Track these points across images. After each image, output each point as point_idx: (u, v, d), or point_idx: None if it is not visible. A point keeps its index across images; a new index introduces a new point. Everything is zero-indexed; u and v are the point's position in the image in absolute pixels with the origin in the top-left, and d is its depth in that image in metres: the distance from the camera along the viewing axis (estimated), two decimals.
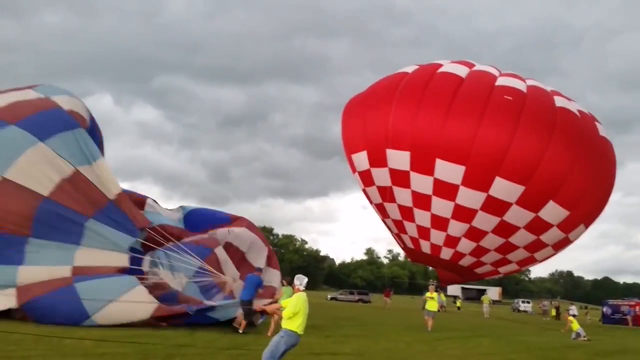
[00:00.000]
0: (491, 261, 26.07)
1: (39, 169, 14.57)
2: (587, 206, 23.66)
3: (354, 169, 27.37)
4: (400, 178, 24.44)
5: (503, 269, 27.32)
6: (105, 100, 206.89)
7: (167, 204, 56.08)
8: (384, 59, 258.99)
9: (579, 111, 24.30)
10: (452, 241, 24.91)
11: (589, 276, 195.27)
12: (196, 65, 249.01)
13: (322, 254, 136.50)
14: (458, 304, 49.59)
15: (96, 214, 14.95)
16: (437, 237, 25.10)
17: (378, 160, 24.94)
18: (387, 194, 25.80)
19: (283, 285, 17.99)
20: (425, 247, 26.03)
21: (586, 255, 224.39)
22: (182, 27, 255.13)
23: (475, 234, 24.20)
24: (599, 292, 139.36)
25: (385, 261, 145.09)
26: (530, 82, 24.66)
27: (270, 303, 13.51)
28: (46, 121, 15.53)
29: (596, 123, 25.02)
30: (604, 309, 46.64)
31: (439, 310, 29.81)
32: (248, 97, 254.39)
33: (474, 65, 25.73)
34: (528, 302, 68.47)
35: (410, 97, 23.98)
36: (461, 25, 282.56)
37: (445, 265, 26.53)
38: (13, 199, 14.11)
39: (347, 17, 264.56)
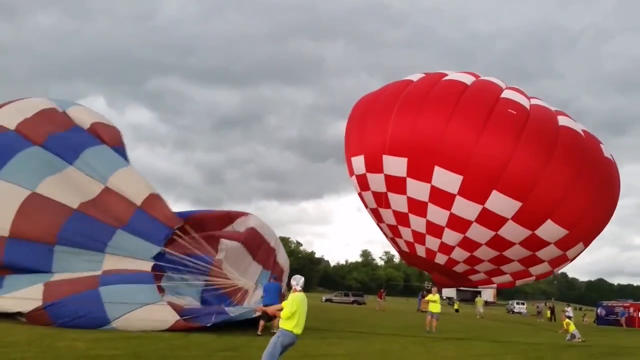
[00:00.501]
0: (485, 270, 26.00)
1: (64, 190, 15.41)
2: (587, 226, 23.21)
3: (351, 172, 27.35)
4: (395, 184, 24.30)
5: (497, 279, 27.17)
6: (99, 102, 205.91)
7: None
8: (380, 60, 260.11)
9: (584, 131, 23.88)
10: (446, 248, 24.82)
11: (583, 277, 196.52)
12: (190, 67, 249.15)
13: (317, 256, 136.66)
14: (456, 306, 49.52)
15: (124, 224, 15.43)
16: (432, 242, 24.99)
17: (374, 165, 24.86)
18: (382, 200, 25.76)
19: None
20: (421, 250, 25.97)
21: (581, 257, 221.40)
22: (176, 28, 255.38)
23: (469, 244, 24.06)
24: (593, 293, 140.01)
25: (381, 263, 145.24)
26: (534, 101, 24.34)
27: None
28: (70, 140, 16.59)
29: (601, 145, 24.63)
30: (598, 311, 46.80)
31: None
32: (242, 99, 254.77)
33: (479, 76, 25.56)
34: (523, 304, 68.63)
35: (411, 103, 23.76)
36: (457, 27, 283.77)
37: (440, 269, 26.47)
38: (43, 210, 14.84)
39: (342, 19, 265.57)
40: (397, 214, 25.43)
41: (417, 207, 24.10)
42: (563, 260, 24.93)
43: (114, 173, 16.49)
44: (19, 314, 13.95)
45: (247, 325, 14.98)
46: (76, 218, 15.00)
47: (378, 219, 27.56)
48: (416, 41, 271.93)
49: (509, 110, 22.55)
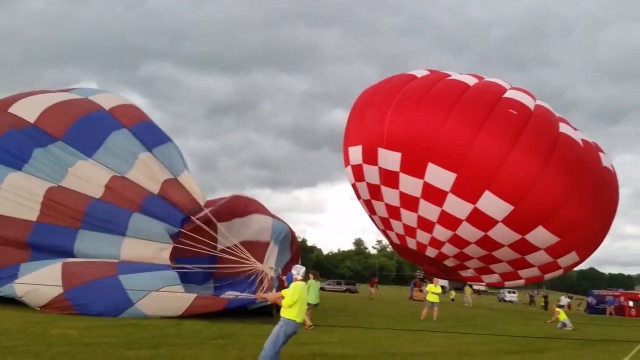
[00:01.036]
0: (474, 267, 26.09)
1: (87, 179, 16.22)
2: (580, 235, 23.09)
3: (347, 162, 27.28)
4: (388, 178, 24.26)
5: (486, 278, 27.23)
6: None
7: None
8: (375, 48, 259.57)
9: (583, 140, 23.78)
10: (437, 243, 24.84)
11: None
12: (183, 53, 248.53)
13: (309, 244, 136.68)
14: (452, 295, 49.58)
15: (139, 209, 15.91)
16: (423, 236, 25.01)
17: (370, 157, 24.82)
18: (375, 192, 25.77)
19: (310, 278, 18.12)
20: (412, 243, 26.03)
21: None
22: (168, 13, 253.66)
23: (459, 241, 24.06)
24: (584, 282, 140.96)
25: (373, 252, 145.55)
26: (539, 102, 24.20)
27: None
28: (91, 130, 17.23)
29: (600, 153, 24.50)
30: (589, 299, 47.18)
31: (423, 300, 29.73)
32: (236, 85, 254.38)
33: (483, 78, 25.38)
34: (514, 292, 68.96)
35: (411, 98, 23.65)
36: (452, 14, 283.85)
37: (430, 262, 26.55)
38: (68, 199, 15.67)
39: (337, 5, 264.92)
40: (389, 207, 25.44)
41: (409, 202, 24.10)
42: (554, 267, 24.83)
43: (132, 166, 16.93)
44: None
45: (240, 313, 15.02)
46: (97, 205, 15.67)
47: (371, 210, 27.58)
48: (412, 28, 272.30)
49: (510, 110, 22.32)
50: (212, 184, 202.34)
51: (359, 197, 28.20)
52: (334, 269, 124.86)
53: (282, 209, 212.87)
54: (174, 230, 15.95)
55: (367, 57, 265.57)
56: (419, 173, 23.02)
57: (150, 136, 18.32)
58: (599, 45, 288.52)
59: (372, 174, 25.20)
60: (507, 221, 22.20)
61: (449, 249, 24.85)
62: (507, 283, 28.05)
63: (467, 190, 22.27)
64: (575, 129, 24.41)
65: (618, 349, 14.76)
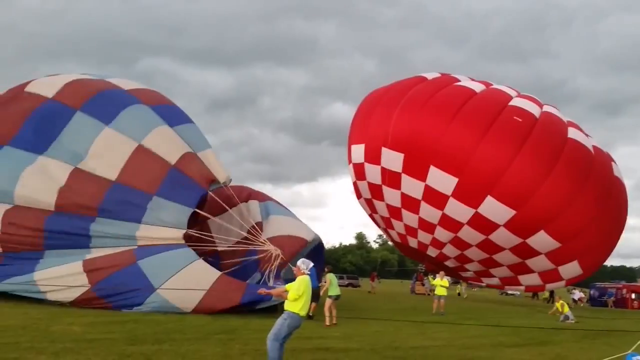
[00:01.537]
0: (475, 270, 26.09)
1: (107, 154, 15.90)
2: (583, 242, 22.86)
3: (350, 160, 27.31)
4: (391, 178, 24.28)
5: (486, 280, 27.27)
6: None
7: None
8: (373, 40, 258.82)
9: (594, 147, 23.65)
10: (438, 244, 24.87)
11: None
12: (181, 47, 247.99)
13: None
14: (458, 289, 49.11)
15: (158, 188, 15.62)
16: (424, 237, 25.05)
17: (373, 156, 24.82)
18: (376, 192, 25.76)
19: (325, 272, 18.21)
20: (413, 243, 26.09)
21: None
22: (165, 7, 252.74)
23: (460, 244, 24.08)
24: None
25: (375, 246, 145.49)
26: (546, 108, 24.12)
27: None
28: (106, 102, 16.99)
29: (612, 163, 24.40)
30: (592, 292, 47.18)
31: (428, 294, 29.64)
32: (235, 80, 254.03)
33: (492, 84, 25.36)
34: None
35: (417, 101, 23.69)
36: (451, 5, 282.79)
37: (431, 261, 26.56)
38: (86, 184, 15.46)
39: None
40: (390, 207, 25.48)
41: (411, 204, 24.12)
42: (555, 276, 24.62)
43: (150, 132, 16.70)
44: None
45: (243, 308, 15.01)
46: (115, 189, 15.46)
47: (371, 209, 27.59)
48: (410, 20, 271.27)
49: (515, 117, 22.27)
50: None
51: (359, 196, 28.18)
52: (336, 264, 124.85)
53: (283, 203, 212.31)
54: (190, 210, 15.84)
55: (366, 50, 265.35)
56: (421, 175, 23.06)
57: (172, 115, 18.18)
58: (599, 36, 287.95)
59: (373, 174, 25.21)
60: (509, 225, 22.24)
61: (450, 250, 24.89)
62: (507, 288, 27.96)
63: (468, 194, 22.28)
64: (587, 135, 24.28)
65: (620, 341, 14.73)
